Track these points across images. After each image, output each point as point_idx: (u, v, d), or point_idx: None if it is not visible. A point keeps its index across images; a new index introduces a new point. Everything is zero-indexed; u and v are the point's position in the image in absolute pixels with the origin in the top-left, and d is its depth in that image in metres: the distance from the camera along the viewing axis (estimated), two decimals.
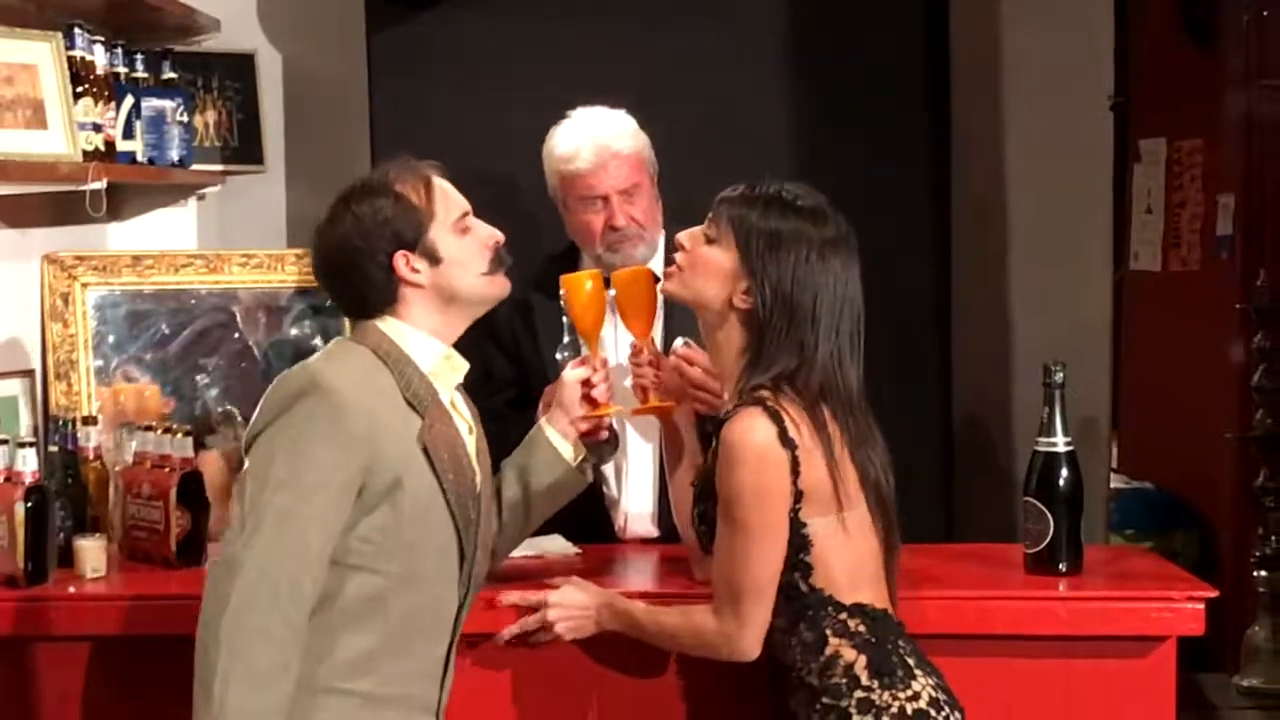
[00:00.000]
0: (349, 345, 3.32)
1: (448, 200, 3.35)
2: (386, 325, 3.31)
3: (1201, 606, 3.65)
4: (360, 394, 3.17)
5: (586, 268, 4.25)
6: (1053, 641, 3.69)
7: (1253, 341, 6.32)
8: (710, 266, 3.39)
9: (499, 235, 3.40)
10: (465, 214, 3.37)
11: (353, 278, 3.30)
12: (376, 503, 3.17)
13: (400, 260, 3.27)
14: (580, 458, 3.66)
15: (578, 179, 4.26)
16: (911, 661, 3.32)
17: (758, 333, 3.34)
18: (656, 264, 4.24)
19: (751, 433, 3.25)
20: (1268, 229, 6.96)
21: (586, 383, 3.64)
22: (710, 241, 3.40)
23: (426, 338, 3.32)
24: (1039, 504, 3.79)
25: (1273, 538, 5.86)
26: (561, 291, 3.78)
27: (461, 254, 3.33)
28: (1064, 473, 3.80)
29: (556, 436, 3.64)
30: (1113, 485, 6.72)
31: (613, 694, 3.71)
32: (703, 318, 3.44)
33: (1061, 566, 3.79)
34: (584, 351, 3.77)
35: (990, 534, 4.95)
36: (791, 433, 3.25)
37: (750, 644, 3.30)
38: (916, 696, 3.27)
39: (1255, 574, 5.89)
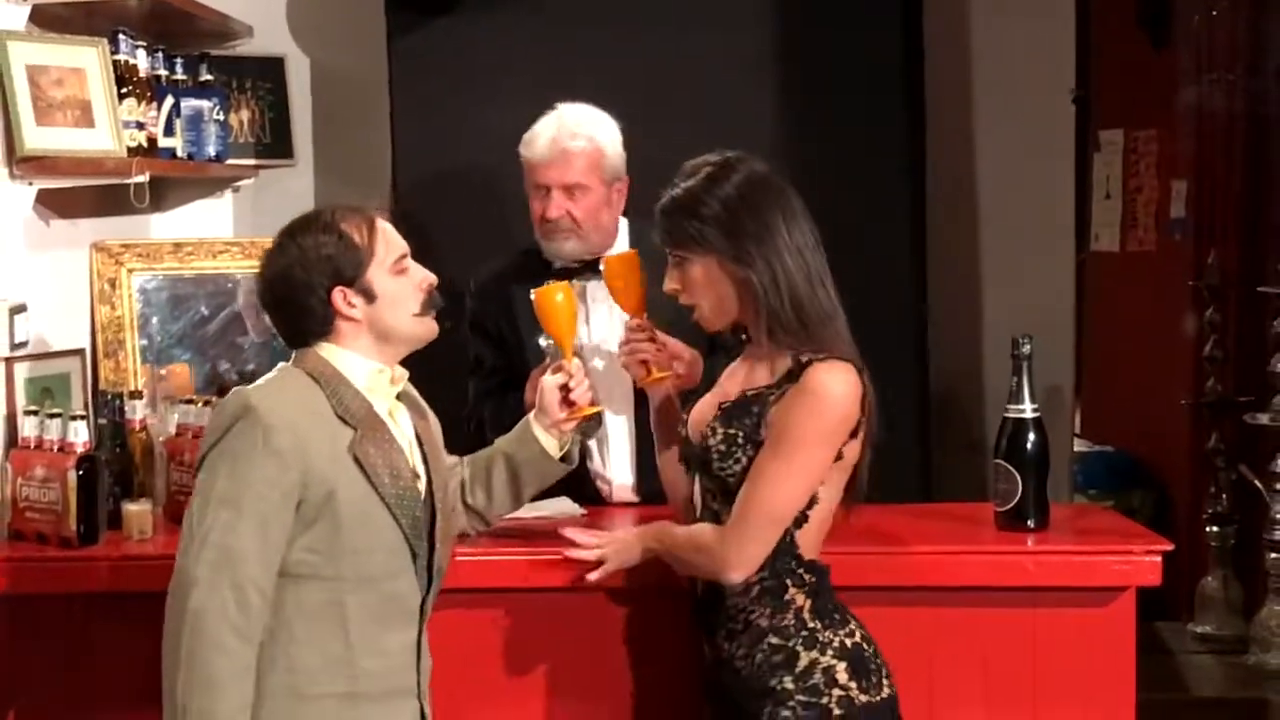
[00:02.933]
0: (287, 370, 3.26)
1: (388, 241, 3.29)
2: (324, 350, 3.26)
3: (1159, 559, 3.66)
4: (289, 414, 3.14)
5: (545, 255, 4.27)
6: (1022, 592, 3.70)
7: (1204, 316, 6.31)
8: (702, 282, 3.36)
9: (432, 278, 3.35)
10: (404, 256, 3.31)
11: (292, 308, 3.26)
12: (315, 515, 3.13)
13: (338, 295, 3.22)
14: (563, 449, 3.65)
15: (530, 166, 4.26)
16: (843, 606, 3.35)
17: (760, 293, 3.30)
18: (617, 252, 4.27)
19: (843, 385, 3.24)
20: (1217, 212, 6.95)
21: (565, 387, 3.63)
22: (683, 264, 3.38)
23: (361, 358, 3.27)
24: (1008, 466, 3.80)
25: (1223, 496, 5.86)
26: (533, 302, 3.78)
27: (396, 293, 3.28)
28: (1031, 437, 3.81)
29: (541, 433, 3.62)
30: (1076, 449, 6.72)
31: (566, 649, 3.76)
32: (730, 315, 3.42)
33: (1029, 523, 3.79)
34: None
35: (964, 494, 4.95)
36: (866, 402, 3.27)
37: (743, 561, 3.27)
38: (852, 634, 3.31)
39: (1207, 529, 5.88)
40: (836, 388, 3.23)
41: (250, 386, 3.22)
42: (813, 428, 3.23)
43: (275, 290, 3.28)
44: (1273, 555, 5.26)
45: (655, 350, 3.74)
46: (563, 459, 3.65)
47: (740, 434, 3.31)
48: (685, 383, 3.75)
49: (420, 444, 3.38)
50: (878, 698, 3.28)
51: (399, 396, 3.36)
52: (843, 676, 3.25)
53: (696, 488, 3.46)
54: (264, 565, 3.09)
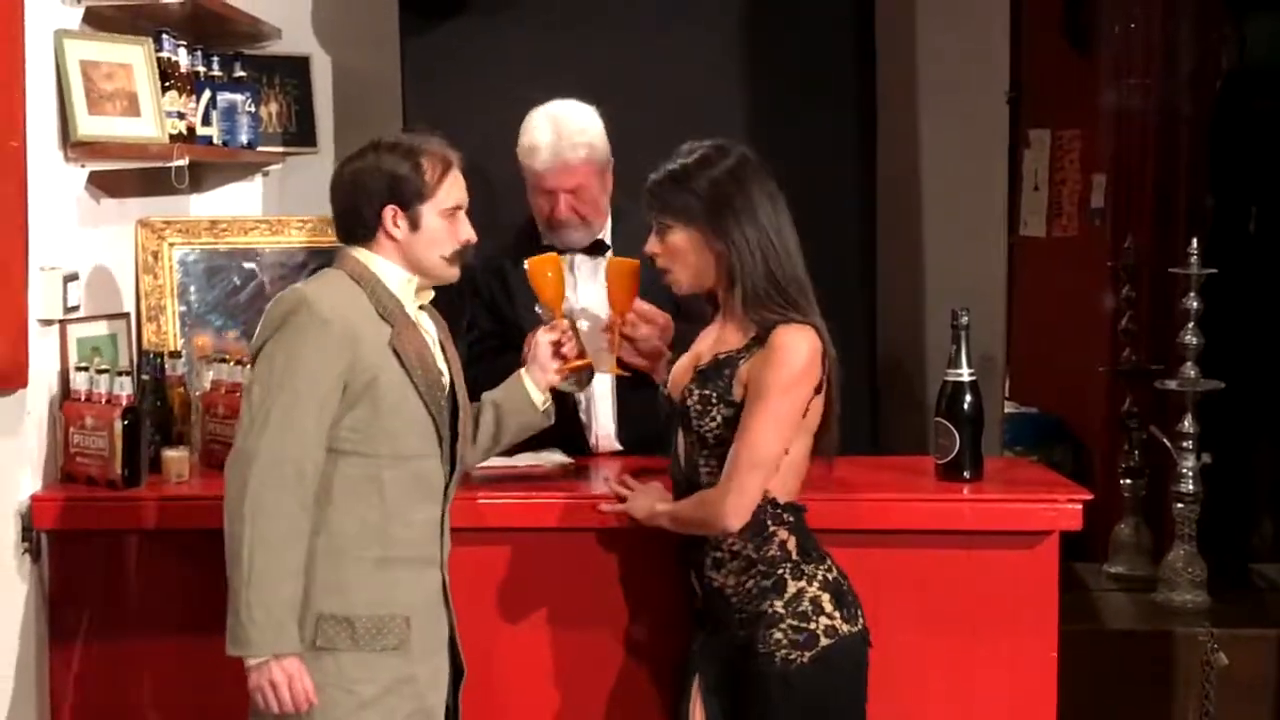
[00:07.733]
0: (330, 271, 3.33)
1: (452, 188, 3.34)
2: (360, 254, 3.31)
3: (1079, 507, 3.68)
4: (340, 309, 3.20)
5: (543, 238, 4.26)
6: (958, 535, 3.72)
7: (1121, 293, 6.30)
8: (683, 250, 3.37)
9: (473, 238, 3.39)
10: (459, 207, 3.35)
11: (349, 207, 3.31)
12: (357, 399, 3.19)
13: (388, 213, 3.27)
14: (545, 405, 3.68)
15: (533, 173, 4.24)
16: (820, 545, 3.38)
17: (738, 266, 3.31)
18: (605, 235, 4.29)
19: (804, 343, 3.25)
20: (1133, 202, 6.97)
21: (557, 343, 3.67)
22: (666, 231, 3.38)
23: (393, 265, 3.32)
24: (947, 423, 3.81)
25: (1136, 453, 5.85)
26: (527, 270, 3.82)
27: (438, 233, 3.32)
28: (968, 398, 3.81)
29: (530, 385, 3.66)
30: (1006, 410, 6.71)
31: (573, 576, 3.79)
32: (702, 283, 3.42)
33: (966, 474, 3.80)
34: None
35: (908, 448, 4.95)
36: (827, 361, 3.29)
37: (740, 509, 3.27)
38: (831, 569, 3.34)
39: (1122, 482, 5.88)
40: (798, 346, 3.25)
41: (302, 284, 3.28)
42: (778, 380, 3.23)
43: (342, 188, 3.33)
44: (1179, 505, 5.27)
45: (621, 346, 3.78)
46: (544, 413, 3.68)
47: (714, 394, 3.32)
48: (659, 352, 3.77)
49: (442, 347, 3.42)
50: (854, 629, 3.32)
51: (421, 309, 3.40)
52: (828, 606, 3.29)
53: (680, 440, 3.45)
54: (317, 441, 3.15)
